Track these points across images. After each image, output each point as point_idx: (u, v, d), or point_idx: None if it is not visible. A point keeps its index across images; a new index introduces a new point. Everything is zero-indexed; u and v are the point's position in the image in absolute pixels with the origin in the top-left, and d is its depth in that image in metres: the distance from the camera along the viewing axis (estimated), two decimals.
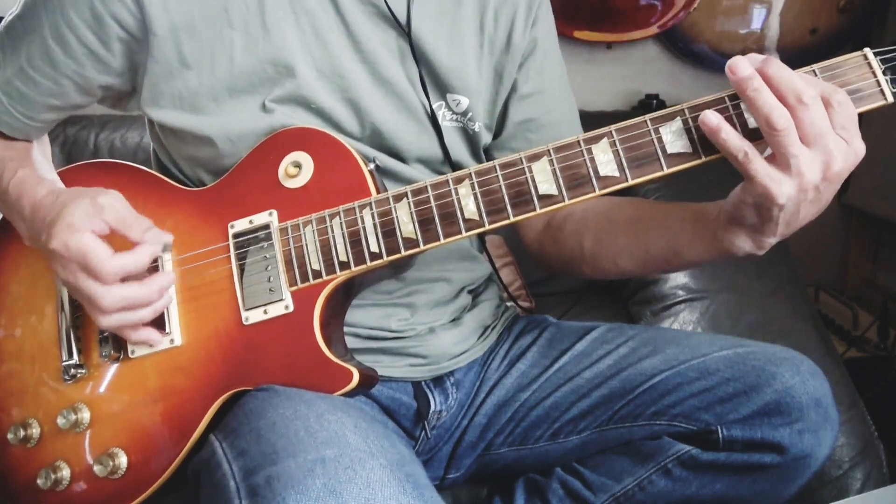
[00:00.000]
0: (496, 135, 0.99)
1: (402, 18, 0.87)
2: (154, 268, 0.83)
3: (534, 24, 0.96)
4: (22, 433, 0.84)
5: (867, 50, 0.70)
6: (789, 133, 0.66)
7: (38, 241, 0.80)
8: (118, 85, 0.87)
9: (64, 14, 0.81)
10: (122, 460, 0.80)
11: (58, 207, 0.77)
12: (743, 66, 0.68)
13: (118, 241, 0.77)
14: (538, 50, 0.97)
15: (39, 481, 0.82)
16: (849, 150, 0.68)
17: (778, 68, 0.68)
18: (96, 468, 0.80)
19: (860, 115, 0.70)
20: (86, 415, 0.83)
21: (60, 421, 0.82)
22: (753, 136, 0.70)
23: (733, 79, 0.68)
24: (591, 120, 1.02)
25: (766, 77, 0.67)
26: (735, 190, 0.73)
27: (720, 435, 0.89)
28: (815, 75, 0.70)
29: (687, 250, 0.82)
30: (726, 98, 0.72)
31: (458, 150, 0.94)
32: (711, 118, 0.70)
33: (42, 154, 0.93)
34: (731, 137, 0.69)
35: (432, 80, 0.90)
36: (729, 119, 0.71)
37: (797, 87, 0.66)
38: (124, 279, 0.77)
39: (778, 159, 0.68)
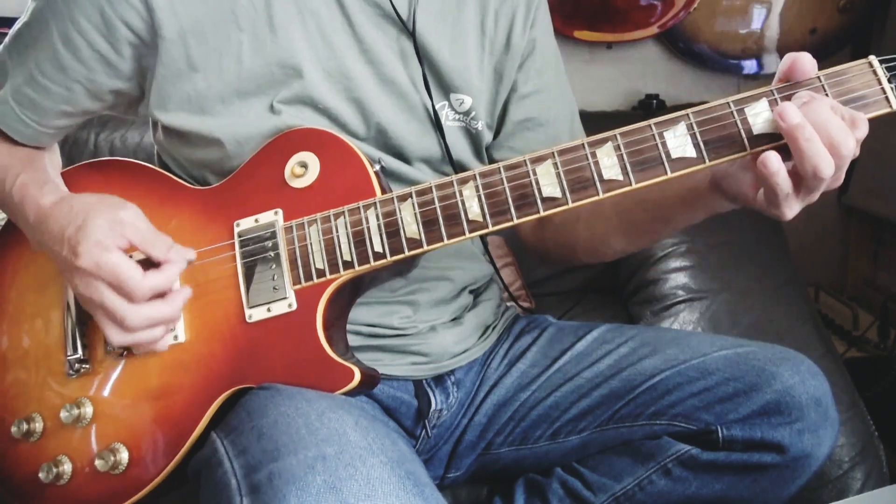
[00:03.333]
0: (495, 134, 1.00)
1: (406, 19, 0.87)
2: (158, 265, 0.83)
3: (532, 24, 0.97)
4: (25, 427, 0.84)
5: (872, 57, 0.71)
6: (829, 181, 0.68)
7: (50, 250, 0.80)
8: (128, 90, 0.87)
9: (73, 19, 0.81)
10: (124, 456, 0.81)
11: (77, 220, 0.77)
12: (793, 114, 0.67)
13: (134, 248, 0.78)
14: (537, 50, 0.98)
15: (41, 475, 0.82)
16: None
17: (817, 115, 0.67)
18: (98, 463, 0.80)
19: None
20: (88, 410, 0.83)
21: (63, 415, 0.82)
22: (758, 141, 0.71)
23: (784, 126, 0.68)
24: (592, 120, 1.02)
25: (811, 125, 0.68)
26: (738, 187, 0.74)
27: (720, 435, 0.89)
28: (820, 82, 0.71)
29: (675, 218, 0.84)
30: (730, 103, 0.72)
31: (461, 149, 0.94)
32: (774, 161, 0.68)
33: (49, 160, 0.93)
34: (785, 182, 0.69)
35: (436, 80, 0.90)
36: (733, 125, 0.72)
37: (839, 140, 0.67)
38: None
39: (804, 188, 0.69)
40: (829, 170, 0.67)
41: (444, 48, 0.90)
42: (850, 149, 0.67)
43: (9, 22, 0.88)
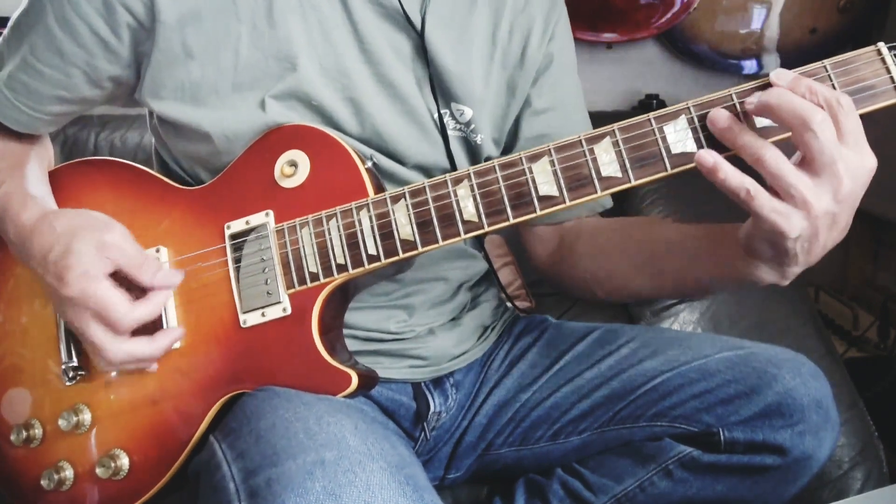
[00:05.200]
0: (507, 148, 0.98)
1: (415, 20, 0.86)
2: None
3: (551, 39, 0.95)
4: (24, 434, 0.84)
5: (881, 44, 0.68)
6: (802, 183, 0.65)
7: (34, 270, 0.79)
8: (126, 77, 0.86)
9: (73, 3, 0.80)
10: (124, 462, 0.80)
11: (60, 244, 0.76)
12: (720, 118, 0.68)
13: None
14: (554, 65, 0.96)
15: (43, 482, 0.82)
16: (858, 167, 0.65)
17: (778, 95, 0.65)
18: (98, 470, 0.80)
19: (868, 114, 0.68)
20: (87, 416, 0.83)
21: (62, 422, 0.82)
22: (763, 134, 0.68)
23: (715, 130, 0.68)
24: (592, 120, 1.01)
25: (769, 106, 0.66)
26: (745, 225, 0.72)
27: (721, 436, 0.88)
28: (826, 71, 0.68)
29: (704, 275, 0.81)
30: (733, 95, 0.70)
31: (460, 160, 0.92)
32: (707, 158, 0.67)
33: (38, 161, 0.91)
34: (730, 176, 0.66)
35: (438, 86, 0.89)
36: (737, 117, 0.69)
37: (804, 112, 0.64)
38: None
39: (782, 194, 0.66)
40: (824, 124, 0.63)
41: (448, 55, 0.88)
42: (818, 121, 0.63)
43: (8, 22, 0.88)
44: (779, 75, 0.67)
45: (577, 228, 0.97)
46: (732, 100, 0.70)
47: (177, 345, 0.81)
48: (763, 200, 0.66)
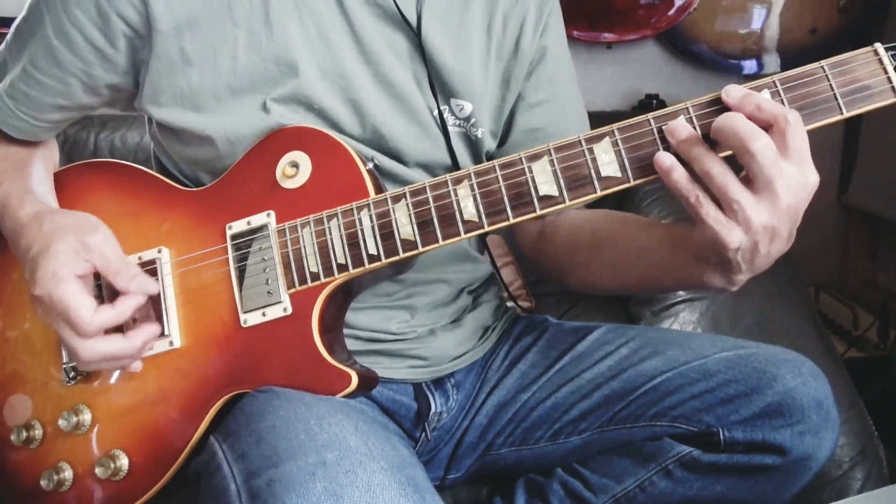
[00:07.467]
0: (502, 142, 0.98)
1: (411, 19, 0.86)
2: (150, 270, 0.82)
3: (544, 31, 0.95)
4: (24, 434, 0.84)
5: (878, 45, 0.68)
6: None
7: (22, 267, 0.79)
8: (124, 84, 0.87)
9: (68, 12, 0.80)
10: (124, 462, 0.80)
11: (42, 243, 0.76)
12: (679, 130, 0.69)
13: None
14: (548, 58, 0.96)
15: (42, 482, 0.82)
16: (800, 184, 0.66)
17: (722, 120, 0.67)
18: (98, 470, 0.80)
19: (868, 114, 0.68)
20: (87, 416, 0.83)
21: (62, 423, 0.82)
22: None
23: (672, 142, 0.70)
24: (592, 120, 1.01)
25: (715, 130, 0.67)
26: (693, 231, 0.73)
27: (721, 436, 0.88)
28: (824, 71, 0.69)
29: (663, 277, 0.82)
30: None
31: (460, 155, 0.93)
32: (665, 160, 0.69)
33: (43, 162, 0.92)
34: (682, 180, 0.68)
35: (437, 83, 0.89)
36: None
37: (745, 136, 0.65)
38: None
39: (725, 207, 0.68)
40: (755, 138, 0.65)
41: (446, 51, 0.88)
42: (759, 146, 0.65)
43: (9, 22, 0.88)
44: (729, 91, 0.69)
45: (558, 221, 0.97)
46: (727, 101, 0.69)
47: (176, 344, 0.81)
48: (709, 209, 0.68)
